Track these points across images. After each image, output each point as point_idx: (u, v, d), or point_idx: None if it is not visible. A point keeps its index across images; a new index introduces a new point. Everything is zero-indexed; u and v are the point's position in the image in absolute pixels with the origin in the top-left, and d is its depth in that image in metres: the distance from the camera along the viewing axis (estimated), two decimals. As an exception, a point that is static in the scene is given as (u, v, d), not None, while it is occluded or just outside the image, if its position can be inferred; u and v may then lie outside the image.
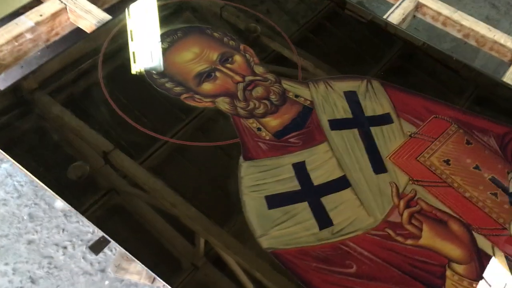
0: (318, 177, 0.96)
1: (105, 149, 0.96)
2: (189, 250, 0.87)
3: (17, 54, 1.10)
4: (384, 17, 1.30)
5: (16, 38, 1.08)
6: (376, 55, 1.22)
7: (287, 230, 0.89)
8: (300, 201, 0.93)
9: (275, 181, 0.95)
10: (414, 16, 1.38)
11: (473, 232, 0.93)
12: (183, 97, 1.04)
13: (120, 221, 0.89)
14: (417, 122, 1.07)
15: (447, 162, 1.01)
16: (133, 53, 1.10)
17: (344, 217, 0.92)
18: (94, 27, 1.14)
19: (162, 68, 1.08)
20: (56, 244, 1.59)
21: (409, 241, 0.90)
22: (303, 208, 0.92)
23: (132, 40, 1.12)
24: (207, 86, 1.06)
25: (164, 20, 1.18)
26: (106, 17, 1.15)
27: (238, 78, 1.07)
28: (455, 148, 1.04)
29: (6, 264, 1.71)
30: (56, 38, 1.16)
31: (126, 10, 1.16)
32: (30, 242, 1.66)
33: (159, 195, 0.91)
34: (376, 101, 1.10)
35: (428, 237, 0.91)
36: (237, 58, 1.12)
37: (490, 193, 0.99)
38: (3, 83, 1.02)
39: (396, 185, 0.97)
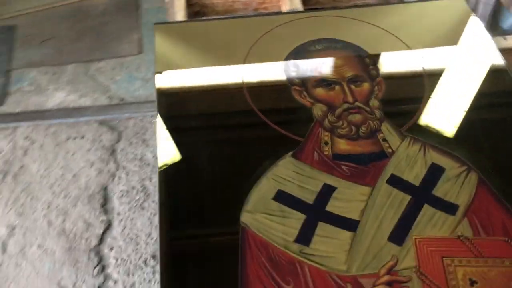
0: (334, 206, 0.98)
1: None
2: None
3: (228, 9, 1.40)
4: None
5: (232, -4, 1.38)
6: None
7: (269, 222, 0.96)
8: (301, 211, 0.98)
9: (297, 185, 1.01)
10: None
11: None
12: (293, 88, 1.17)
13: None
14: (481, 231, 0.95)
15: (472, 282, 0.89)
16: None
17: (323, 248, 0.93)
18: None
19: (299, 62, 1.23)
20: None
21: None
22: (297, 218, 0.97)
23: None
24: (320, 91, 1.16)
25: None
26: (299, 8, 1.35)
27: (350, 99, 1.14)
28: (495, 278, 0.89)
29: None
30: (263, 11, 1.42)
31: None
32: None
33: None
34: (456, 189, 1.01)
35: (380, 323, 0.85)
36: (366, 85, 1.17)
37: None
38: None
39: (397, 260, 0.91)
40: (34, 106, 2.44)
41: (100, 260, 1.89)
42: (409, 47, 1.29)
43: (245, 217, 0.97)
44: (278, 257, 0.92)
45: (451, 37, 1.33)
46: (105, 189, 2.07)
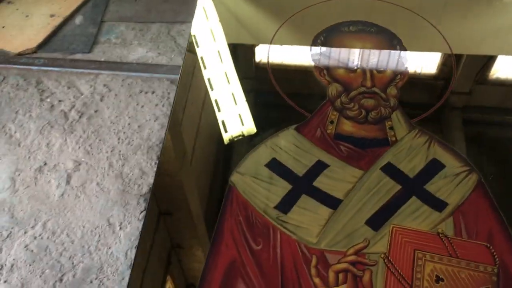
0: (321, 183, 1.01)
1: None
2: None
3: None
4: None
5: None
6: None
7: (256, 186, 1.01)
8: (289, 181, 1.01)
9: (293, 157, 1.04)
10: None
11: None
12: (315, 65, 1.19)
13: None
14: (463, 233, 0.93)
15: (438, 279, 0.88)
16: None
17: (300, 219, 0.96)
18: None
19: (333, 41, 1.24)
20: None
21: (316, 280, 0.89)
22: (283, 187, 1.00)
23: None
24: (340, 71, 1.17)
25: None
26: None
27: (368, 83, 1.13)
28: (464, 280, 0.88)
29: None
30: None
31: None
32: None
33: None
34: (450, 188, 0.99)
35: (334, 294, 0.88)
36: (388, 72, 1.16)
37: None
38: None
39: (368, 244, 0.93)
40: (116, 58, 2.63)
41: (147, 206, 2.04)
42: (449, 47, 1.25)
43: (235, 177, 1.02)
44: (255, 218, 0.97)
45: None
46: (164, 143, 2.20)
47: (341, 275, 0.89)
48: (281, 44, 1.26)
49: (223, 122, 1.12)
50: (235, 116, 1.13)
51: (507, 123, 1.14)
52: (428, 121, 1.11)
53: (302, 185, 1.00)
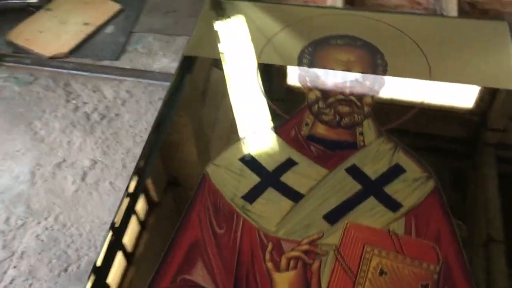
0: (288, 178, 1.08)
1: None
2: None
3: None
4: None
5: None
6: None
7: (227, 177, 1.10)
8: (258, 175, 1.10)
9: (267, 154, 1.13)
10: None
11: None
12: (299, 73, 1.28)
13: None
14: (413, 233, 0.99)
15: (382, 272, 0.94)
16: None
17: (262, 209, 1.05)
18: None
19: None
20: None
21: (269, 264, 0.96)
22: (253, 180, 1.09)
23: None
24: (321, 79, 1.25)
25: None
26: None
27: (346, 91, 1.21)
28: (406, 276, 0.93)
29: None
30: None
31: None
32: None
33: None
34: (407, 191, 1.05)
35: (284, 278, 0.94)
36: (367, 82, 1.23)
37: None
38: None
39: (322, 235, 0.99)
40: (141, 66, 2.77)
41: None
42: (430, 68, 1.31)
43: (209, 168, 1.11)
44: (222, 205, 1.05)
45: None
46: (178, 148, 2.32)
47: (292, 262, 0.96)
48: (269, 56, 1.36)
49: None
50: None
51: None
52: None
53: (270, 179, 1.08)
